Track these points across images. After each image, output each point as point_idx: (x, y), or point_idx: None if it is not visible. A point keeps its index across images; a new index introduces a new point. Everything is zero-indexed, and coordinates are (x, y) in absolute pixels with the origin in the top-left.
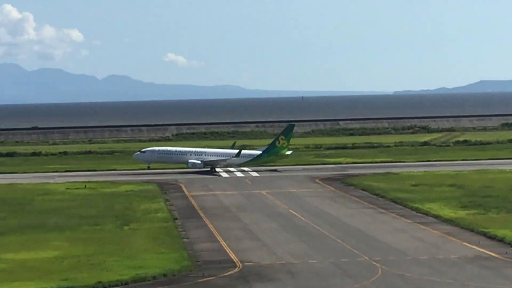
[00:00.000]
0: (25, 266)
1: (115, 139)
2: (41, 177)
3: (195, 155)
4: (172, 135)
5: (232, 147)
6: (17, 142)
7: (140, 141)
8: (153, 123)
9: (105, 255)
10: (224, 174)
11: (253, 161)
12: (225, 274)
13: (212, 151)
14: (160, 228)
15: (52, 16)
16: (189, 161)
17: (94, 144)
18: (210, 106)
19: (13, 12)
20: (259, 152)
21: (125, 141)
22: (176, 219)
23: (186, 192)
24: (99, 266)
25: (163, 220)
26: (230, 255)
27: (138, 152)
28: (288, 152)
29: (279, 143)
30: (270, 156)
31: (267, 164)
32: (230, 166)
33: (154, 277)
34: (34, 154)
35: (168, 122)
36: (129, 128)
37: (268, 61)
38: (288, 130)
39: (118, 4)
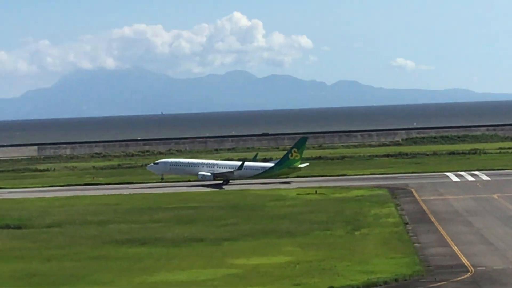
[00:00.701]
0: (258, 271)
1: (345, 144)
2: (272, 183)
3: (206, 167)
4: (402, 139)
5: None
6: (247, 148)
7: (370, 146)
8: (382, 128)
9: (336, 260)
10: (455, 178)
11: (266, 173)
12: (457, 279)
13: (224, 163)
14: (391, 233)
15: (281, 23)
16: (199, 173)
17: (324, 150)
18: (440, 110)
19: (242, 20)
20: (271, 165)
21: (355, 146)
22: (407, 223)
23: (417, 197)
24: (331, 271)
25: (394, 225)
26: (462, 259)
27: (152, 164)
28: (302, 165)
29: (291, 155)
30: (283, 168)
31: (279, 177)
32: (242, 179)
33: (385, 282)
34: (264, 160)
35: (398, 127)
36: (358, 133)
37: (498, 63)
38: (301, 143)
39: (347, 10)
